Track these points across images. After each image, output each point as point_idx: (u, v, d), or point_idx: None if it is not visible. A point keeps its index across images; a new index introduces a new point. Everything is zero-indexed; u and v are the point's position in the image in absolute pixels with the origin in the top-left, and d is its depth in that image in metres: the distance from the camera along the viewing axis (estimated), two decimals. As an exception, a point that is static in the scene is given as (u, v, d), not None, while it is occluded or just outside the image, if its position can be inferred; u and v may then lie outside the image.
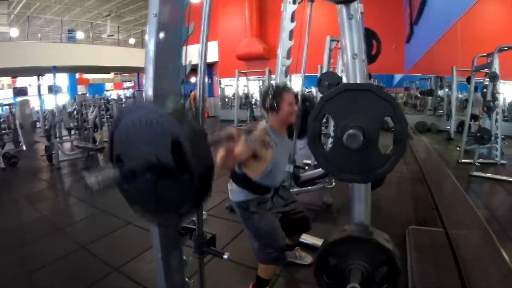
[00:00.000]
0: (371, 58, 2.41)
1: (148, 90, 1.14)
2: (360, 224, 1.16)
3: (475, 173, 5.15)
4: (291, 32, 2.85)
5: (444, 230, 3.12)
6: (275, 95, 1.96)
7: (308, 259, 2.62)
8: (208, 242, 1.29)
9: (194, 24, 1.15)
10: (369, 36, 2.37)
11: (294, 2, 2.79)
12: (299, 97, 2.65)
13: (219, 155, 1.51)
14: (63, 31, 14.80)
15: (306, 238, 2.80)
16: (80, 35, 17.02)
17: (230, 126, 1.40)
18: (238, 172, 2.04)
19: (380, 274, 1.11)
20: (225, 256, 1.25)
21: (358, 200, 1.18)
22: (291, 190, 3.07)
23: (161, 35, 1.11)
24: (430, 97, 11.61)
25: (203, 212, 1.49)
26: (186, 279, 1.64)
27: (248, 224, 2.06)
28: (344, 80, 1.19)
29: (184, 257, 1.53)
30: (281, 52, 2.99)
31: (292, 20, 2.83)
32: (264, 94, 2.03)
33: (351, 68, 1.09)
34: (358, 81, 1.08)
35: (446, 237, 2.94)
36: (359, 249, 1.05)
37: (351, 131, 0.86)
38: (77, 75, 22.46)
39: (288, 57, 2.99)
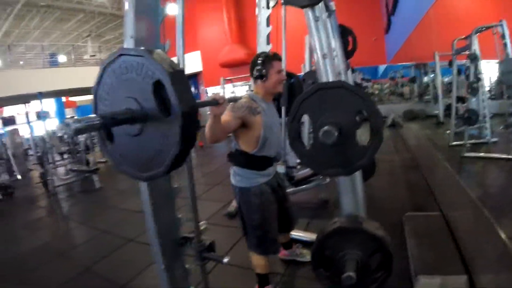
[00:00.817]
0: (348, 53, 2.47)
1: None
2: (349, 215, 1.20)
3: (466, 154, 5.26)
4: (268, 36, 2.91)
5: (441, 213, 3.17)
6: (264, 63, 1.93)
7: (309, 256, 2.64)
8: (208, 248, 1.32)
9: (169, 42, 1.19)
10: (345, 33, 2.43)
11: (267, 7, 2.85)
12: (284, 72, 2.66)
13: (207, 125, 1.51)
14: (45, 56, 14.74)
15: (305, 236, 2.85)
16: (62, 58, 16.98)
17: (216, 93, 1.40)
18: (235, 150, 2.02)
19: (376, 262, 1.15)
20: (225, 260, 1.29)
21: (345, 192, 1.23)
22: (287, 191, 3.13)
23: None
24: (414, 84, 11.81)
25: (202, 222, 1.54)
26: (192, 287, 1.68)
27: (245, 213, 2.06)
28: (318, 78, 1.23)
29: (187, 266, 1.57)
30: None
31: (268, 24, 2.89)
32: (253, 61, 2.00)
33: (322, 68, 1.14)
34: (330, 79, 1.13)
35: (443, 220, 2.99)
36: (351, 239, 1.09)
37: (325, 127, 0.91)
38: (64, 99, 22.33)
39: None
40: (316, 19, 1.13)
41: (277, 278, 2.49)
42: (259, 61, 1.93)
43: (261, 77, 1.93)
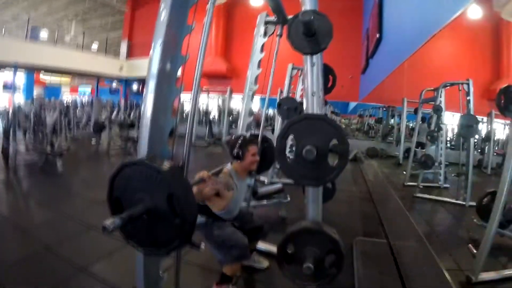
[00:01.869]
0: (327, 90, 2.78)
1: (148, 104, 1.39)
2: (313, 220, 1.47)
3: (419, 195, 5.71)
4: (260, 61, 3.22)
5: (387, 241, 3.53)
6: (241, 146, 2.34)
7: (264, 263, 2.91)
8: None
9: (189, 55, 1.43)
10: (327, 71, 2.73)
11: (264, 36, 3.16)
12: (259, 137, 2.99)
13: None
14: (28, 29, 14.37)
15: (262, 245, 3.07)
16: (43, 34, 16.55)
17: (202, 171, 1.83)
18: (200, 204, 2.24)
19: (329, 261, 1.42)
20: (202, 247, 1.48)
21: (312, 201, 1.49)
22: (250, 203, 3.38)
23: (163, 60, 1.38)
24: (380, 125, 12.45)
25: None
26: (161, 273, 1.85)
27: (210, 237, 2.31)
28: (304, 108, 1.52)
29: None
30: (249, 78, 3.32)
31: (262, 51, 3.20)
32: (232, 144, 2.39)
33: (310, 102, 1.43)
34: (315, 112, 1.42)
35: (389, 247, 3.34)
36: (312, 239, 1.36)
37: (308, 147, 1.19)
38: (34, 76, 21.61)
39: (255, 83, 3.35)
40: (313, 65, 1.41)
41: (234, 279, 2.69)
42: (237, 144, 2.35)
43: (238, 158, 2.34)
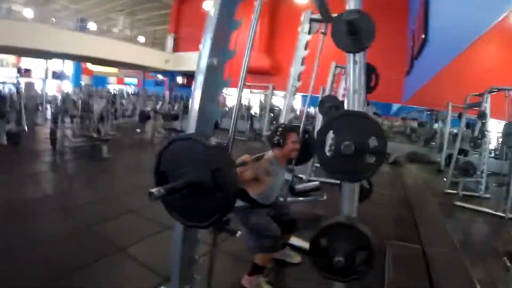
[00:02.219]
0: (369, 89, 2.75)
1: (196, 94, 1.47)
2: (347, 215, 1.49)
3: (458, 203, 5.51)
4: (303, 58, 3.23)
5: (421, 247, 3.44)
6: (282, 134, 2.39)
7: (296, 258, 2.94)
8: (224, 222, 1.58)
9: (237, 49, 1.48)
10: (370, 70, 2.70)
11: (308, 33, 3.17)
12: (301, 128, 3.01)
13: None
14: (76, 20, 15.07)
15: (295, 241, 3.10)
16: (92, 25, 17.34)
17: (245, 155, 1.89)
18: (240, 187, 2.38)
19: (360, 258, 1.43)
20: (238, 234, 1.55)
21: (347, 196, 1.51)
22: (287, 199, 3.41)
23: (212, 54, 1.44)
24: (423, 129, 12.02)
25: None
26: (196, 256, 1.94)
27: (246, 223, 2.37)
28: (345, 105, 1.54)
29: (199, 236, 1.83)
30: (292, 74, 3.35)
31: (306, 48, 3.21)
32: (272, 131, 2.47)
33: (351, 99, 1.44)
34: (356, 109, 1.43)
35: (422, 253, 3.27)
36: (345, 234, 1.38)
37: (347, 142, 1.21)
38: (82, 65, 22.69)
39: (298, 79, 3.37)
40: (355, 63, 1.43)
41: (265, 271, 2.74)
42: (278, 132, 2.40)
43: (278, 145, 2.38)
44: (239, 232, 1.58)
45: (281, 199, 2.96)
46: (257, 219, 2.34)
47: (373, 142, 1.26)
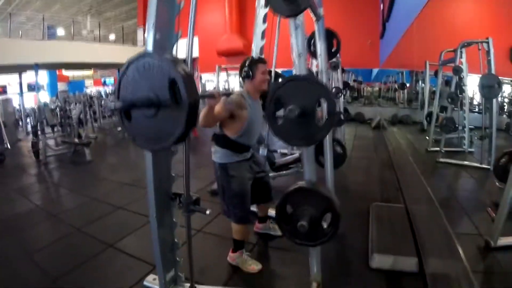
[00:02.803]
0: (331, 54, 2.77)
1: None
2: (309, 180, 1.51)
3: (441, 160, 5.61)
4: (263, 32, 3.20)
5: (404, 206, 3.53)
6: (250, 64, 2.32)
7: (280, 231, 2.98)
8: (194, 202, 1.61)
9: (181, 31, 1.48)
10: (330, 36, 2.72)
11: (265, 6, 3.13)
12: (272, 73, 2.98)
13: (202, 112, 1.81)
14: (44, 28, 14.69)
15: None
16: (60, 31, 16.94)
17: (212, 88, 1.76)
18: (219, 133, 2.36)
19: (327, 221, 1.47)
20: (208, 212, 1.58)
21: (307, 162, 1.53)
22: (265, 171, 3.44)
23: (157, 39, 1.44)
24: (403, 91, 12.12)
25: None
26: (176, 240, 1.98)
27: (224, 185, 2.38)
28: (293, 71, 1.54)
29: (175, 220, 1.87)
30: (254, 49, 3.34)
31: (264, 21, 3.18)
32: (241, 64, 2.37)
33: (297, 64, 1.44)
34: (302, 73, 1.43)
35: (405, 212, 3.34)
36: (308, 199, 1.41)
37: (290, 106, 1.22)
38: (57, 72, 22.23)
39: (261, 53, 3.36)
40: (297, 27, 1.42)
41: (250, 247, 2.80)
42: (246, 64, 2.32)
43: (248, 76, 2.32)
44: (209, 210, 1.60)
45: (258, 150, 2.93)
46: (235, 186, 2.33)
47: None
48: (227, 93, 2.25)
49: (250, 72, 2.30)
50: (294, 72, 1.45)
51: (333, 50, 2.75)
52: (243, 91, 2.35)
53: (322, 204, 1.39)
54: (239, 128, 2.28)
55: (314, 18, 2.26)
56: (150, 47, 1.45)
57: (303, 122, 1.25)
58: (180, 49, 1.61)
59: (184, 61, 1.45)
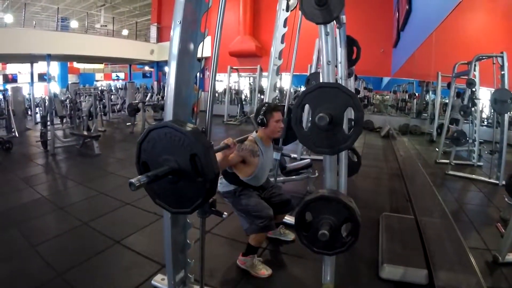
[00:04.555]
0: (351, 62, 2.75)
1: (170, 81, 1.46)
2: (330, 188, 1.49)
3: (450, 172, 5.53)
4: (283, 36, 3.19)
5: (414, 217, 3.49)
6: (265, 112, 2.37)
7: (291, 236, 2.97)
8: (210, 205, 1.59)
9: (207, 31, 1.46)
10: (351, 43, 2.70)
11: (287, 10, 3.12)
12: (286, 108, 3.01)
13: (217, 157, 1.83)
14: (57, 19, 14.80)
15: (289, 219, 3.14)
16: (74, 24, 17.05)
17: (227, 138, 1.85)
18: (229, 171, 2.41)
19: (347, 230, 1.45)
20: (224, 215, 1.56)
21: (329, 170, 1.51)
22: (278, 179, 3.43)
23: (183, 38, 1.42)
24: (414, 101, 12.04)
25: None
26: (188, 241, 1.96)
27: (237, 206, 2.42)
28: (321, 78, 1.52)
29: (188, 220, 1.85)
30: (273, 53, 3.33)
31: (285, 25, 3.17)
32: (257, 109, 2.45)
33: (325, 71, 1.43)
34: (330, 81, 1.42)
35: (415, 223, 3.31)
36: (329, 207, 1.39)
37: (320, 114, 1.20)
38: (68, 64, 22.39)
39: (279, 57, 3.34)
40: (327, 34, 1.41)
41: (259, 251, 2.78)
42: (262, 111, 2.38)
43: (262, 124, 2.38)
44: (225, 213, 1.59)
45: (272, 179, 2.97)
46: (247, 201, 2.36)
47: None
48: (242, 140, 2.32)
49: (265, 120, 2.36)
50: (321, 79, 1.44)
51: (353, 58, 2.74)
52: (257, 137, 2.42)
53: (343, 213, 1.37)
54: (250, 172, 2.35)
55: (336, 25, 2.25)
56: (169, 116, 1.51)
57: (330, 130, 1.23)
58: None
59: (204, 131, 1.52)
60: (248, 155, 2.27)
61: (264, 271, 2.43)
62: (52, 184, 4.86)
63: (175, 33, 1.43)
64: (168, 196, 1.33)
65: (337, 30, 2.32)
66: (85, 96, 9.48)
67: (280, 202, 2.62)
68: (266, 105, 2.44)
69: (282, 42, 3.19)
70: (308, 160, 4.09)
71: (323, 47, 1.42)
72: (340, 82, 2.50)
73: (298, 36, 3.01)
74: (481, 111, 7.73)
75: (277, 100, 3.49)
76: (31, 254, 2.72)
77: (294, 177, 4.06)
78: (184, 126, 1.25)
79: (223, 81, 13.83)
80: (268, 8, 13.55)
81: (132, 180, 1.12)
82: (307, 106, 1.32)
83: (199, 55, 1.60)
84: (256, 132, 2.48)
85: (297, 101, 1.30)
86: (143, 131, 1.33)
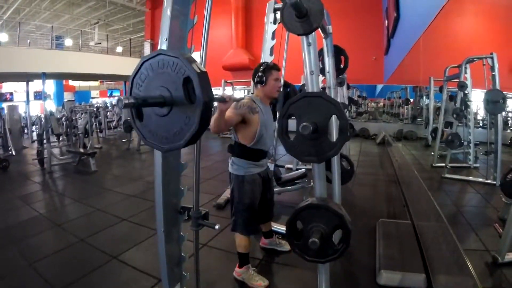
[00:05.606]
0: (339, 70, 2.79)
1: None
2: (319, 196, 1.51)
3: (447, 175, 5.55)
4: (272, 48, 3.23)
5: (411, 223, 3.50)
6: (264, 70, 2.33)
7: (287, 246, 2.95)
8: (203, 217, 1.61)
9: (194, 47, 1.50)
10: (338, 52, 2.75)
11: (274, 23, 3.17)
12: (282, 82, 2.99)
13: (213, 117, 1.79)
14: (52, 38, 14.90)
15: (284, 229, 3.14)
16: (68, 42, 17.17)
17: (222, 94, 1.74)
18: (234, 143, 2.37)
19: (338, 237, 1.46)
20: (217, 227, 1.57)
21: (318, 178, 1.53)
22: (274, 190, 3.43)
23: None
24: (408, 106, 12.13)
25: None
26: (182, 254, 1.96)
27: (237, 192, 2.38)
28: (306, 88, 1.55)
29: (182, 234, 1.86)
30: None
31: (273, 38, 3.21)
32: (255, 69, 2.38)
33: (309, 81, 1.46)
34: (315, 90, 1.45)
35: (412, 229, 3.31)
36: (318, 215, 1.40)
37: (304, 123, 1.23)
38: (64, 82, 22.49)
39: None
40: (309, 44, 1.44)
41: (256, 262, 2.78)
42: (260, 69, 2.33)
43: (261, 82, 2.32)
44: (218, 225, 1.60)
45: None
46: (246, 198, 2.35)
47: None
48: (238, 99, 2.22)
49: (264, 78, 2.31)
50: (306, 89, 1.47)
51: (342, 67, 2.78)
52: (254, 96, 2.37)
53: (333, 221, 1.38)
54: (254, 133, 2.27)
55: (322, 35, 2.30)
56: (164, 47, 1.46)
57: (316, 138, 1.26)
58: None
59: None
60: (246, 111, 2.18)
61: (261, 282, 2.42)
62: (49, 201, 4.86)
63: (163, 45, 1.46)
64: (160, 133, 1.23)
65: (324, 40, 2.37)
66: (81, 114, 9.52)
67: (269, 205, 2.63)
68: (265, 63, 2.40)
69: (271, 54, 3.23)
70: (303, 170, 4.10)
71: (306, 57, 1.45)
72: (329, 91, 2.54)
73: (286, 47, 3.06)
74: (475, 113, 7.81)
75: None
76: (29, 272, 2.71)
77: (289, 187, 4.07)
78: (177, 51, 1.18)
79: (218, 95, 13.88)
80: (260, 21, 13.65)
81: (121, 97, 1.07)
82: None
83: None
84: (253, 93, 2.44)
85: (282, 111, 1.33)
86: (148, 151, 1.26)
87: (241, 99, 2.27)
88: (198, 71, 1.11)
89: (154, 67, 1.19)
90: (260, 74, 2.31)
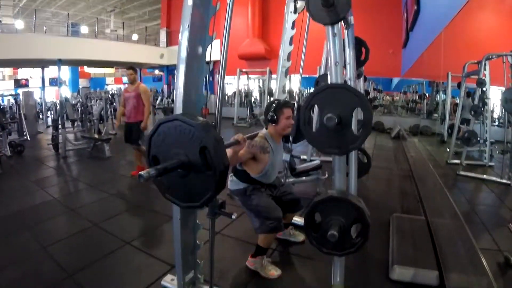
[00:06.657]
0: (360, 62, 2.74)
1: (179, 85, 1.48)
2: (339, 189, 1.49)
3: (462, 173, 5.47)
4: (292, 38, 3.19)
5: (425, 218, 3.45)
6: (275, 109, 2.35)
7: (300, 237, 2.96)
8: (219, 206, 1.61)
9: (215, 34, 1.48)
10: (359, 44, 2.69)
11: (294, 12, 3.12)
12: (295, 106, 3.02)
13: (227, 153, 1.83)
14: (67, 25, 15.01)
15: (298, 220, 3.13)
16: (84, 29, 17.28)
17: (237, 134, 1.81)
18: (239, 168, 2.41)
19: (356, 231, 1.44)
20: (233, 216, 1.57)
21: (338, 171, 1.51)
22: (288, 180, 3.43)
23: (191, 42, 1.44)
24: (424, 101, 11.93)
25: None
26: (198, 242, 1.98)
27: (247, 205, 2.41)
28: (329, 79, 1.53)
29: (198, 222, 1.87)
30: (282, 55, 3.33)
31: (293, 27, 3.17)
32: (267, 106, 2.42)
33: (333, 72, 1.43)
34: (338, 81, 1.42)
35: (426, 224, 3.27)
36: (338, 208, 1.38)
37: (329, 114, 1.21)
38: (79, 69, 22.67)
39: (288, 59, 3.35)
40: (334, 35, 1.41)
41: (269, 252, 2.77)
42: (272, 108, 2.36)
43: (272, 121, 2.36)
44: (234, 214, 1.59)
45: (282, 180, 2.97)
46: (257, 201, 2.35)
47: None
48: (252, 136, 2.32)
49: (275, 117, 2.35)
50: (329, 80, 1.44)
51: (362, 59, 2.73)
52: (267, 134, 2.41)
53: (352, 214, 1.37)
54: (260, 169, 2.34)
55: (344, 26, 2.25)
56: (179, 109, 1.50)
57: (338, 130, 1.24)
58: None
59: (214, 125, 1.51)
60: (258, 151, 2.25)
61: (274, 272, 2.43)
62: (63, 186, 4.92)
63: (183, 37, 1.45)
64: (177, 191, 1.32)
65: (345, 31, 2.32)
66: (96, 100, 9.60)
67: (290, 201, 2.61)
68: (276, 102, 2.42)
69: (290, 44, 3.19)
70: (318, 161, 4.08)
71: (331, 48, 1.42)
72: (349, 83, 2.50)
73: (306, 38, 3.00)
74: (492, 111, 7.65)
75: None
76: (42, 255, 2.75)
77: (303, 178, 4.06)
78: (194, 119, 1.24)
79: (232, 84, 13.89)
80: (277, 11, 13.62)
81: (142, 173, 1.12)
82: (316, 107, 1.33)
83: (207, 58, 1.62)
84: (266, 129, 2.47)
85: (305, 102, 1.31)
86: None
87: (255, 135, 2.37)
88: (214, 141, 1.18)
89: (171, 131, 1.26)
90: (271, 113, 2.35)
